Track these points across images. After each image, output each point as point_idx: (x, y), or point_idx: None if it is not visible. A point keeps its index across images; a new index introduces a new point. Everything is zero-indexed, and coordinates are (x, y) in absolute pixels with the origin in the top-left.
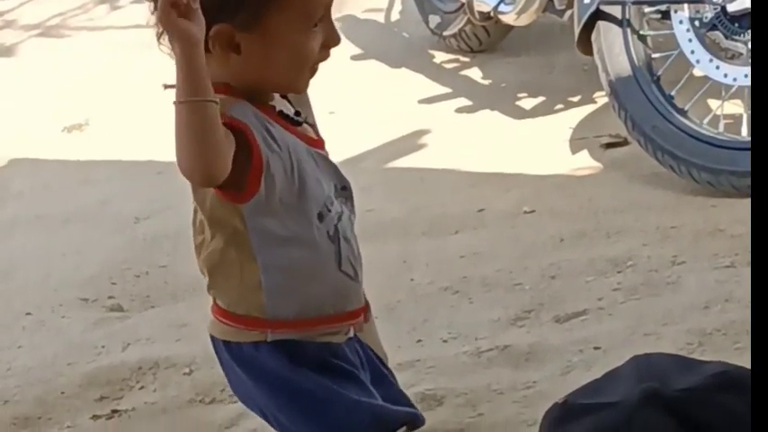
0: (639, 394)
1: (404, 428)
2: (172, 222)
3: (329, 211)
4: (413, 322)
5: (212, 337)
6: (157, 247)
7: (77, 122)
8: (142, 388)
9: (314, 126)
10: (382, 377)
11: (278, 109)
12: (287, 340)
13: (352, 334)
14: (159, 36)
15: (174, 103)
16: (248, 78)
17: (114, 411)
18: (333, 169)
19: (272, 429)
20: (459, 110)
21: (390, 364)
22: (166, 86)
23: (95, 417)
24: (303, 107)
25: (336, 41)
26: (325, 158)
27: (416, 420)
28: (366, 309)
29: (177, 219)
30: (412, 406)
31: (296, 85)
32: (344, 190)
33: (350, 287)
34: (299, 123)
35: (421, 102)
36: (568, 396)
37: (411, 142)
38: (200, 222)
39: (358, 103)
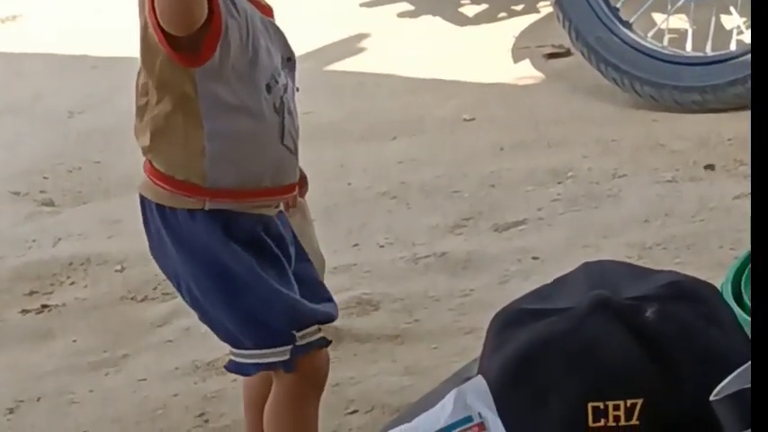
0: (589, 301)
1: (316, 326)
2: (106, 118)
3: (276, 82)
4: (350, 226)
5: (143, 198)
6: (91, 142)
7: (11, 14)
8: (73, 284)
9: None
10: (307, 259)
11: None
12: (224, 211)
13: (282, 207)
14: None
15: None
16: None
17: (44, 306)
18: (282, 39)
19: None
20: (401, 14)
21: (327, 268)
22: None
23: (24, 311)
24: None
25: None
26: (277, 28)
27: (330, 319)
28: (301, 184)
29: (112, 114)
30: (329, 298)
31: None
32: (289, 61)
33: (289, 161)
34: None
35: (362, 5)
36: (517, 300)
37: (351, 46)
38: (144, 85)
39: (298, 4)
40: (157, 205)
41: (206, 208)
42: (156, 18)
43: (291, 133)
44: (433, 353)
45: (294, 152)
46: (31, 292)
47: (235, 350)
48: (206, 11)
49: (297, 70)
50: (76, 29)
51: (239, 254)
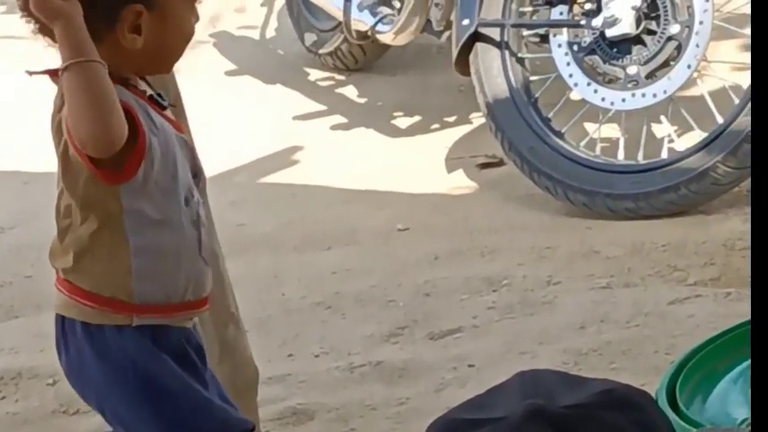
0: (524, 410)
1: None
2: (37, 233)
3: (192, 196)
4: (284, 337)
5: (63, 318)
6: (22, 257)
7: None
8: (4, 398)
9: (180, 113)
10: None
11: (148, 93)
12: (151, 325)
13: (196, 320)
14: (38, 31)
15: (61, 71)
16: (135, 61)
17: None
18: (191, 155)
19: None
20: (334, 127)
21: (261, 379)
22: (31, 73)
23: None
24: (168, 91)
25: (198, 18)
26: (186, 143)
27: (253, 427)
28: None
29: (43, 229)
30: (234, 404)
31: (172, 64)
32: (196, 177)
33: (206, 273)
34: (165, 107)
35: (296, 118)
36: (452, 410)
37: (284, 158)
38: (67, 207)
39: (231, 118)
40: (82, 323)
41: (133, 324)
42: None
43: (207, 246)
44: None
45: (208, 264)
46: None
47: None
48: (125, 131)
49: (231, 183)
50: (7, 146)
51: (169, 365)
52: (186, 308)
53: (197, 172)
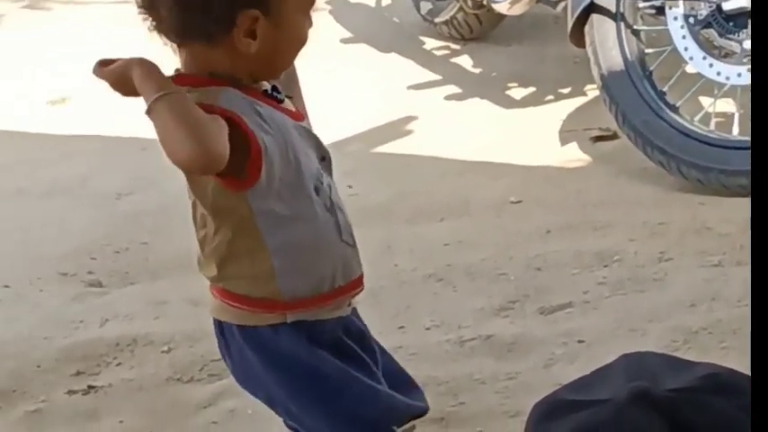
0: (629, 392)
1: (412, 422)
2: (154, 199)
3: (322, 183)
4: (395, 308)
5: (220, 323)
6: (138, 223)
7: (61, 96)
8: (119, 364)
9: (298, 99)
10: (382, 350)
11: (262, 89)
12: (304, 321)
13: (353, 305)
14: (154, 28)
15: (148, 109)
16: (248, 65)
17: (90, 387)
18: (315, 141)
19: (259, 411)
20: (449, 97)
21: None
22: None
23: (71, 392)
24: (289, 83)
25: (312, 24)
26: (308, 131)
27: (424, 411)
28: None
29: (159, 196)
30: (415, 386)
31: (284, 69)
32: (324, 160)
33: (352, 255)
34: (282, 100)
35: (410, 87)
36: (557, 391)
37: (398, 128)
38: (202, 216)
39: (346, 87)
40: (238, 326)
41: (288, 321)
42: None
43: (347, 228)
44: None
45: (354, 245)
46: (78, 373)
47: None
48: (226, 150)
49: (344, 153)
50: (125, 111)
51: (328, 358)
52: (339, 294)
53: (324, 155)
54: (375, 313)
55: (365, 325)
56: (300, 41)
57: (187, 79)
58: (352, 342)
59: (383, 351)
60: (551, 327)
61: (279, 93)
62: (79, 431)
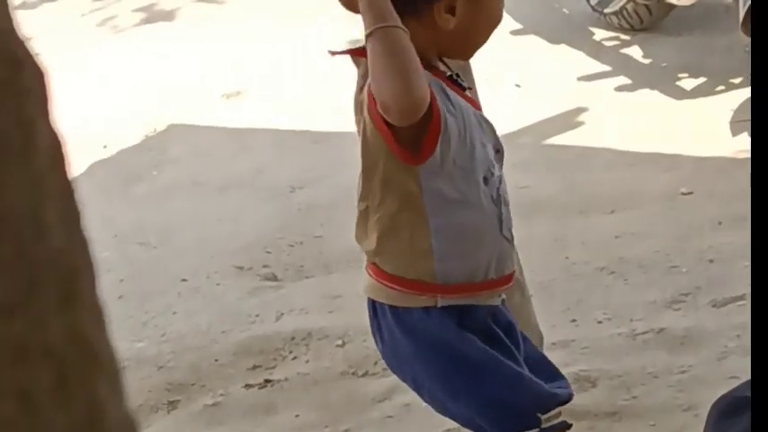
0: None
1: (558, 408)
2: (327, 192)
3: (492, 174)
4: (567, 302)
5: (373, 302)
6: (312, 216)
7: (236, 90)
8: (295, 358)
9: (474, 91)
10: (525, 338)
11: (448, 74)
12: (456, 306)
13: (504, 296)
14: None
15: (366, 36)
16: (444, 41)
17: (267, 381)
18: (492, 132)
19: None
20: (619, 88)
21: (545, 344)
22: (333, 53)
23: (248, 386)
24: (466, 75)
25: (504, 5)
26: (487, 121)
27: (569, 398)
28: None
29: (332, 189)
30: (560, 375)
31: (476, 49)
32: (498, 153)
33: (508, 251)
34: (465, 88)
35: (580, 79)
36: (736, 388)
37: (569, 119)
38: (366, 188)
39: (516, 79)
40: (390, 307)
41: (438, 305)
42: (378, 115)
43: (508, 223)
44: (652, 430)
45: (511, 242)
46: (255, 367)
47: None
48: (427, 95)
49: (515, 145)
50: (299, 104)
51: (476, 343)
52: (490, 286)
53: (498, 148)
54: (547, 306)
55: (513, 317)
56: (496, 20)
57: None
58: (500, 330)
59: (525, 338)
60: (724, 319)
61: (462, 80)
62: (257, 425)
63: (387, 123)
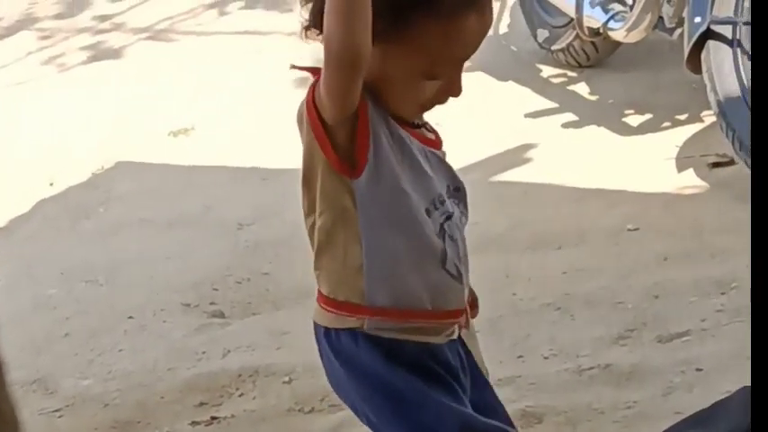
0: (748, 426)
1: None
2: (275, 229)
3: (436, 208)
4: (514, 338)
5: (315, 324)
6: (260, 253)
7: (183, 127)
8: (242, 395)
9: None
10: (484, 384)
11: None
12: (383, 337)
13: (455, 336)
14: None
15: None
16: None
17: (213, 418)
18: (447, 169)
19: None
20: (566, 125)
21: (491, 380)
22: (293, 67)
23: (194, 423)
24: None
25: (456, 93)
26: (440, 158)
27: None
28: (472, 306)
29: (280, 226)
30: (509, 421)
31: (402, 113)
32: (458, 191)
33: (451, 287)
34: (417, 126)
35: (527, 116)
36: (676, 425)
37: (517, 156)
38: (311, 202)
39: (464, 116)
40: (324, 329)
41: (365, 327)
42: (314, 112)
43: (454, 260)
44: None
45: (458, 278)
46: (201, 404)
47: None
48: (369, 44)
49: (464, 182)
50: (247, 141)
51: (403, 375)
52: (422, 316)
53: (458, 186)
54: (493, 342)
55: (466, 361)
56: (412, 94)
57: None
58: (438, 367)
59: (484, 386)
60: (669, 355)
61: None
62: None
63: (322, 123)
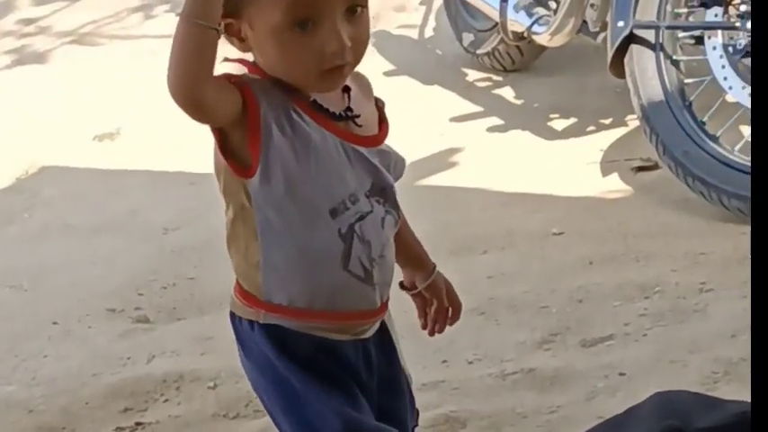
0: (661, 431)
1: None
2: (201, 234)
3: (347, 208)
4: (438, 343)
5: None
6: (185, 258)
7: (108, 131)
8: (166, 401)
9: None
10: (400, 392)
11: (312, 99)
12: (279, 327)
13: (366, 335)
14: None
15: (177, 15)
16: (268, 69)
17: (138, 424)
18: (371, 168)
19: None
20: (491, 129)
21: (415, 385)
22: (226, 59)
23: (119, 429)
24: (358, 102)
25: (333, 46)
26: (362, 155)
27: None
28: (377, 313)
29: (206, 230)
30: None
31: (303, 83)
32: (383, 191)
33: (355, 288)
34: (341, 119)
35: (452, 120)
36: (590, 431)
37: (441, 160)
38: (223, 194)
39: (388, 119)
40: (231, 314)
41: (261, 321)
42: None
43: (362, 260)
44: None
45: (365, 280)
46: (126, 410)
47: None
48: (217, 100)
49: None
50: (173, 146)
51: (295, 370)
52: (318, 317)
53: (384, 186)
54: (417, 348)
55: (375, 363)
56: (294, 57)
57: (249, 66)
58: (334, 365)
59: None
60: (593, 359)
61: (347, 111)
62: None
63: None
